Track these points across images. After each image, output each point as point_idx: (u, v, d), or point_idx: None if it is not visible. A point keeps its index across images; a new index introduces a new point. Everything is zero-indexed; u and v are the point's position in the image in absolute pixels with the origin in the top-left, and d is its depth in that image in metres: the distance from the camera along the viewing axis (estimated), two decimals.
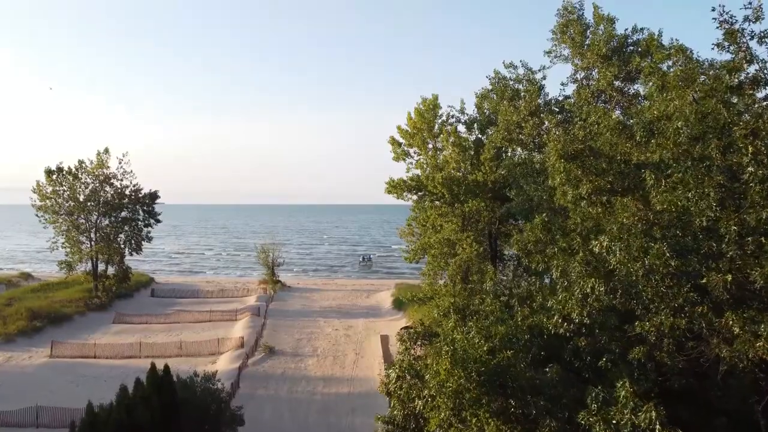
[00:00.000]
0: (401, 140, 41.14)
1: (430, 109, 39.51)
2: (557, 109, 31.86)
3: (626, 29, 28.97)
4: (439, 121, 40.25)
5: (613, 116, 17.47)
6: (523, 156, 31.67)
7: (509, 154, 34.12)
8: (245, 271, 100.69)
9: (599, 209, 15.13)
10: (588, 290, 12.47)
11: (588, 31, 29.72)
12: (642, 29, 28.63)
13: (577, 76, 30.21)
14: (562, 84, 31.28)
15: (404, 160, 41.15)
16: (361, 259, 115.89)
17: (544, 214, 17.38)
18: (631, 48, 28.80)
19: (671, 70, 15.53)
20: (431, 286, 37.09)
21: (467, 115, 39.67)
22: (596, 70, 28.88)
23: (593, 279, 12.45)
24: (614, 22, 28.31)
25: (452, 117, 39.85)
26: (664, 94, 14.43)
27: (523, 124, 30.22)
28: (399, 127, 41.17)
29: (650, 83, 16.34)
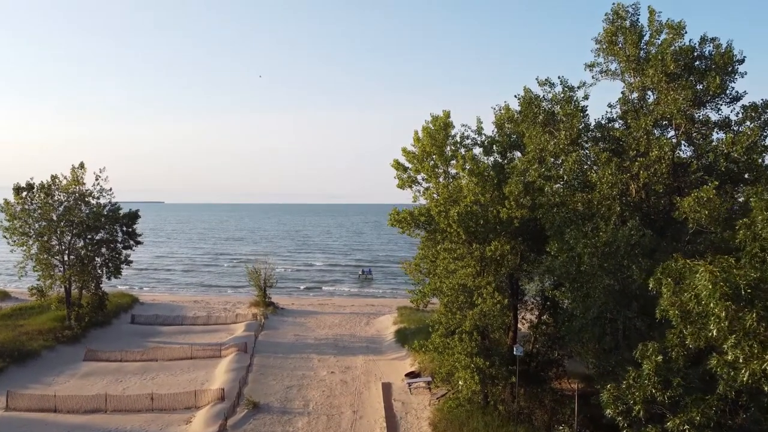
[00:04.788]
0: (407, 164, 35.38)
1: (440, 128, 33.74)
2: (598, 135, 26.18)
3: (691, 40, 23.26)
4: (451, 140, 34.56)
5: None
6: (562, 193, 25.78)
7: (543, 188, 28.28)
8: (237, 287, 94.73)
9: None
10: None
11: (642, 41, 24.00)
12: (712, 39, 22.93)
13: (631, 96, 24.48)
14: (610, 105, 25.59)
15: (410, 187, 35.41)
16: (360, 273, 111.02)
17: (659, 357, 11.64)
18: (698, 63, 23.12)
19: None
20: (443, 340, 31.34)
21: (485, 135, 33.94)
22: (656, 91, 23.15)
23: None
24: (683, 31, 22.57)
25: (467, 138, 34.15)
26: None
27: (563, 157, 24.51)
28: (404, 149, 35.38)
29: None
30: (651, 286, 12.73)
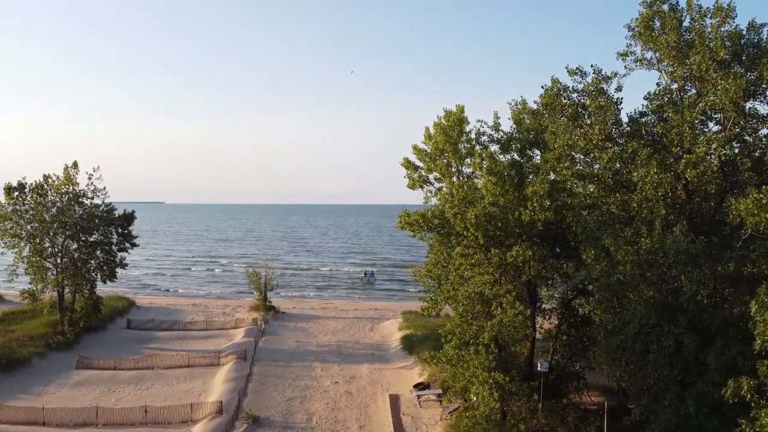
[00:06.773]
0: (418, 163, 33.17)
1: (454, 124, 31.55)
2: (630, 130, 24.03)
3: (737, 25, 21.19)
4: (465, 137, 32.37)
5: None
6: (595, 194, 23.51)
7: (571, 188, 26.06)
8: (236, 290, 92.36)
9: None
10: None
11: (682, 27, 21.90)
12: (761, 26, 20.86)
13: (671, 87, 22.37)
14: (646, 98, 23.47)
15: (422, 187, 33.20)
16: (363, 275, 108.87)
17: None
18: (744, 52, 21.03)
19: None
20: (456, 351, 29.10)
21: (502, 132, 31.75)
22: (702, 80, 21.01)
23: None
24: (733, 14, 20.48)
25: (483, 134, 31.97)
26: None
27: (596, 154, 22.35)
28: (415, 147, 33.20)
29: None
30: (753, 311, 10.72)
